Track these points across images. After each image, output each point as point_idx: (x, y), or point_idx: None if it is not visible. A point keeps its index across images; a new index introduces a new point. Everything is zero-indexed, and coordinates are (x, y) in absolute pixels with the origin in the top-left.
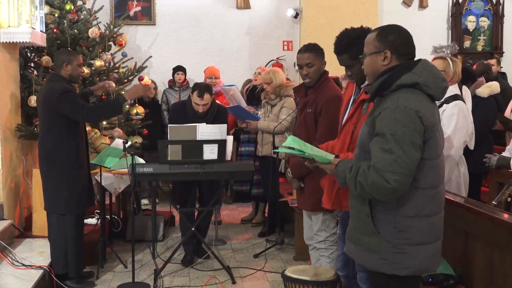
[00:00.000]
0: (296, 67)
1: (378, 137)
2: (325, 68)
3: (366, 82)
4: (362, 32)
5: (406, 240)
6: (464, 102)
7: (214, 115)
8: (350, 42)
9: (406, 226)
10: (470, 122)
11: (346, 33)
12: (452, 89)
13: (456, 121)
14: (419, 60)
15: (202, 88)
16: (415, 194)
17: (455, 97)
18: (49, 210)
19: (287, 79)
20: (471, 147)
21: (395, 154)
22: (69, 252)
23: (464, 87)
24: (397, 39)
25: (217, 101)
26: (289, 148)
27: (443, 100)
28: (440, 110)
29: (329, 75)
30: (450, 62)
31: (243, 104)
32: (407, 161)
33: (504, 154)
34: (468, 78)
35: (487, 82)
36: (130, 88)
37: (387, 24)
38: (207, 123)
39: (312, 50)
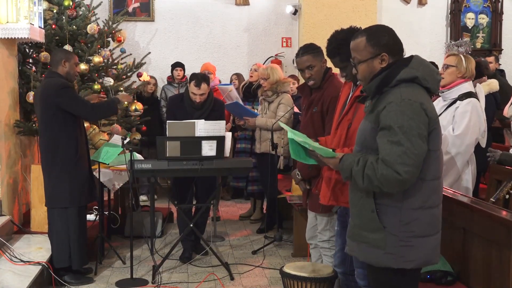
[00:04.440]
0: (295, 64)
1: (385, 130)
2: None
3: None
4: (349, 33)
5: (411, 232)
6: (478, 99)
7: (211, 107)
8: (339, 45)
9: (412, 218)
10: (483, 120)
11: (334, 36)
12: (467, 86)
13: (469, 118)
14: (412, 56)
15: (199, 78)
16: (421, 186)
17: (469, 95)
18: (51, 204)
19: (291, 76)
20: (483, 145)
21: (404, 146)
22: (73, 245)
23: (478, 85)
24: (389, 40)
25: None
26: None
27: (456, 97)
28: (453, 107)
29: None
30: (463, 58)
31: (241, 102)
32: (416, 152)
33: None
34: (478, 73)
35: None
36: (121, 94)
37: (373, 26)
38: (204, 114)
39: (310, 52)
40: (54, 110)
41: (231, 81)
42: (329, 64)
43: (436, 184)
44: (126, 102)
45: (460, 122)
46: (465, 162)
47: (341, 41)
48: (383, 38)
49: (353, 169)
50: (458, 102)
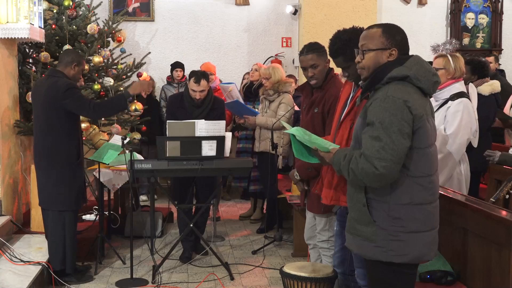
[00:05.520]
0: (295, 64)
1: (369, 126)
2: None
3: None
4: (353, 33)
5: (401, 227)
6: (469, 99)
7: (211, 105)
8: (343, 45)
9: (401, 214)
10: (475, 119)
11: (338, 36)
12: (458, 86)
13: (460, 118)
14: (411, 55)
15: (199, 75)
16: (407, 182)
17: (460, 95)
18: (47, 206)
19: (290, 76)
20: (475, 144)
21: (383, 142)
22: (68, 248)
23: (471, 85)
24: (402, 39)
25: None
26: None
27: (448, 97)
28: (445, 107)
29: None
30: (450, 58)
31: (241, 101)
32: (395, 148)
33: (510, 152)
34: (482, 73)
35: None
36: (133, 83)
37: (389, 23)
38: (204, 112)
39: (315, 50)
40: (59, 112)
41: (243, 79)
42: (331, 64)
43: (427, 181)
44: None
45: (452, 121)
46: (457, 161)
47: (345, 41)
48: (398, 35)
49: (340, 163)
50: (450, 102)
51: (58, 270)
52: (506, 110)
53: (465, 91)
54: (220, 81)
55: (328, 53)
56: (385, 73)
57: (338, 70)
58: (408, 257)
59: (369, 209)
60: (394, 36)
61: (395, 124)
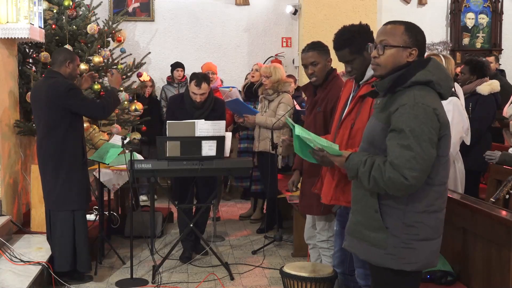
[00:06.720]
0: (295, 64)
1: (395, 133)
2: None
3: (365, 78)
4: (362, 27)
5: (415, 235)
6: (458, 98)
7: (212, 106)
8: (352, 36)
9: (415, 221)
10: (465, 118)
11: (346, 28)
12: None
13: (451, 117)
14: (430, 58)
15: (200, 78)
16: (427, 190)
17: None
18: (57, 208)
19: (289, 76)
20: (468, 142)
21: (414, 151)
22: (81, 247)
23: (456, 84)
24: (423, 39)
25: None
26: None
27: None
28: None
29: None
30: (443, 59)
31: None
32: (425, 158)
33: (510, 151)
34: (481, 73)
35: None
36: (110, 79)
37: (410, 21)
38: (204, 114)
39: (316, 48)
40: (62, 113)
41: (245, 80)
42: (334, 63)
43: (443, 189)
44: (123, 93)
45: None
46: (451, 161)
47: (354, 32)
48: (420, 35)
49: (359, 170)
50: None
51: (66, 271)
52: (505, 111)
53: (454, 89)
54: (221, 81)
55: (333, 45)
56: (408, 77)
57: (338, 70)
58: (418, 265)
59: (381, 215)
60: (416, 35)
61: (426, 133)
